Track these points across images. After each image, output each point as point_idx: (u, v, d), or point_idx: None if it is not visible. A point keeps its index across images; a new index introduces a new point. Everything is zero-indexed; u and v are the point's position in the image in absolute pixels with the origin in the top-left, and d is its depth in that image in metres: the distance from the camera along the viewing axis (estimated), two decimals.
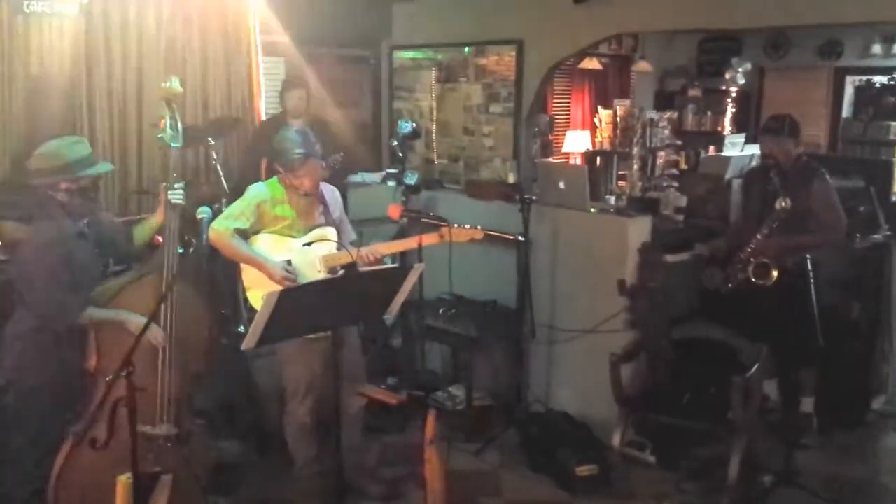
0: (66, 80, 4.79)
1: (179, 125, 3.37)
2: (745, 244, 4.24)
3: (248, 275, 3.64)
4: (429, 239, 3.72)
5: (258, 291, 3.58)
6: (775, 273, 4.10)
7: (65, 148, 3.25)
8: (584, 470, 4.05)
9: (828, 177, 4.23)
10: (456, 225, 3.72)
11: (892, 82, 7.70)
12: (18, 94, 4.65)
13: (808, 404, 4.53)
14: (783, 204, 4.02)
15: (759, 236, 4.16)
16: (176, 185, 3.32)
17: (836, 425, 4.63)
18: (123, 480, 2.78)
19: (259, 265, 3.57)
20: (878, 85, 7.82)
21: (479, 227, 3.74)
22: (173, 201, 3.33)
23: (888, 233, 4.96)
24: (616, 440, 4.21)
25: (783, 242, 4.13)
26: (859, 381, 4.81)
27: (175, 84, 3.35)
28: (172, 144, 3.32)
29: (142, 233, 3.55)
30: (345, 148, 5.49)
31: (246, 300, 3.73)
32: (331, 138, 5.27)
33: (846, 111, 8.50)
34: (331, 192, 3.83)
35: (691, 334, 4.29)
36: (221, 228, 3.59)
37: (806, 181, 4.17)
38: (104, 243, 3.42)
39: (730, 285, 4.30)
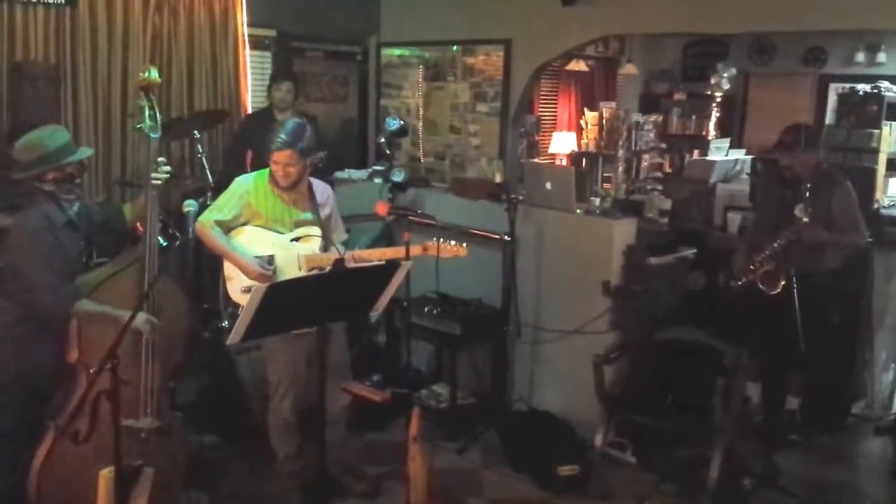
0: (50, 68, 4.74)
1: (158, 115, 3.33)
2: (762, 245, 4.14)
3: (229, 265, 3.62)
4: (413, 251, 3.72)
5: (237, 283, 3.59)
6: (782, 282, 4.01)
7: (45, 138, 3.22)
8: (565, 470, 4.05)
9: (849, 183, 4.18)
10: (442, 240, 3.72)
11: (875, 91, 7.74)
12: (1, 81, 4.60)
13: (792, 402, 4.55)
14: (805, 219, 3.93)
15: (776, 245, 4.04)
16: (160, 170, 3.28)
17: (817, 429, 4.67)
18: (105, 474, 2.75)
19: (234, 259, 3.55)
20: (861, 93, 7.86)
21: (464, 244, 3.73)
22: (153, 182, 3.28)
23: (869, 239, 5.00)
24: (598, 440, 4.23)
25: (815, 237, 4.02)
26: (840, 386, 4.86)
27: (153, 73, 3.31)
28: (151, 135, 3.28)
29: (133, 210, 3.52)
30: (331, 144, 5.47)
31: (226, 291, 3.69)
32: (317, 135, 5.25)
33: (829, 118, 8.56)
34: (321, 189, 3.81)
35: (674, 336, 4.31)
36: (203, 220, 3.60)
37: (829, 189, 4.09)
38: (95, 228, 3.39)
39: (738, 282, 4.18)
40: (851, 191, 4.18)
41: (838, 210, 4.10)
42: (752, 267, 4.13)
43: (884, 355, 5.01)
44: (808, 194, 3.97)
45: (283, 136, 3.51)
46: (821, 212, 4.03)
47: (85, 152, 3.37)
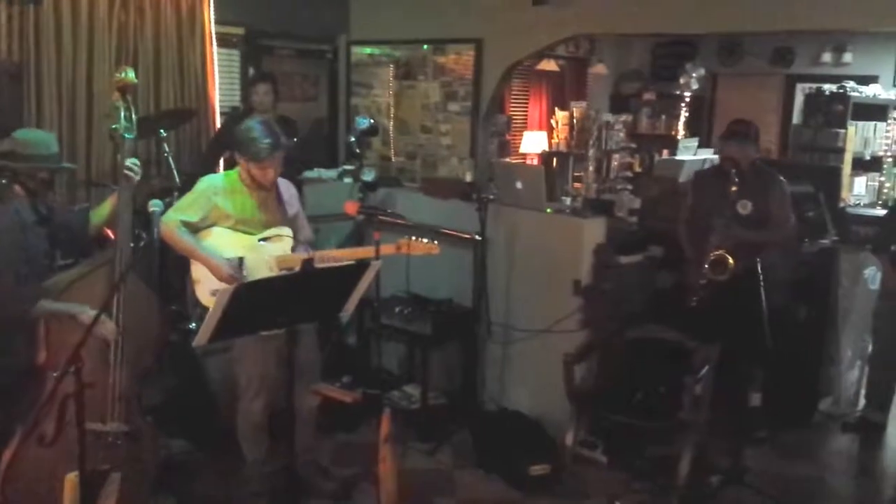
0: (13, 66, 4.66)
1: (134, 116, 3.30)
2: (705, 247, 4.21)
3: (197, 268, 3.54)
4: (385, 249, 3.70)
5: (206, 286, 3.51)
6: (731, 262, 4.11)
7: (51, 142, 3.28)
8: (536, 469, 4.06)
9: (782, 179, 4.34)
10: (414, 238, 3.71)
11: (841, 91, 7.85)
12: None
13: (756, 399, 4.59)
14: (746, 210, 4.09)
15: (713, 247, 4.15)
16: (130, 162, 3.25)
17: (783, 426, 4.72)
18: (71, 478, 2.71)
19: (204, 260, 3.46)
20: (827, 93, 7.97)
21: (435, 242, 3.73)
22: (127, 173, 3.24)
23: (835, 238, 5.07)
24: (569, 439, 4.23)
25: (741, 235, 4.16)
26: (806, 383, 4.90)
27: (130, 74, 3.28)
28: (126, 136, 3.25)
29: (99, 215, 3.45)
30: (302, 142, 5.43)
31: (194, 294, 3.64)
32: (296, 134, 5.22)
33: (796, 118, 8.66)
34: (286, 188, 3.76)
35: (644, 335, 4.32)
36: (168, 220, 3.49)
37: (765, 185, 4.25)
38: (60, 231, 3.34)
39: (695, 299, 4.27)
40: (786, 187, 4.35)
41: (777, 206, 4.27)
42: (703, 271, 4.22)
43: (850, 353, 5.08)
44: (744, 188, 4.14)
45: (265, 140, 3.43)
46: (759, 207, 4.19)
47: (64, 165, 3.38)
